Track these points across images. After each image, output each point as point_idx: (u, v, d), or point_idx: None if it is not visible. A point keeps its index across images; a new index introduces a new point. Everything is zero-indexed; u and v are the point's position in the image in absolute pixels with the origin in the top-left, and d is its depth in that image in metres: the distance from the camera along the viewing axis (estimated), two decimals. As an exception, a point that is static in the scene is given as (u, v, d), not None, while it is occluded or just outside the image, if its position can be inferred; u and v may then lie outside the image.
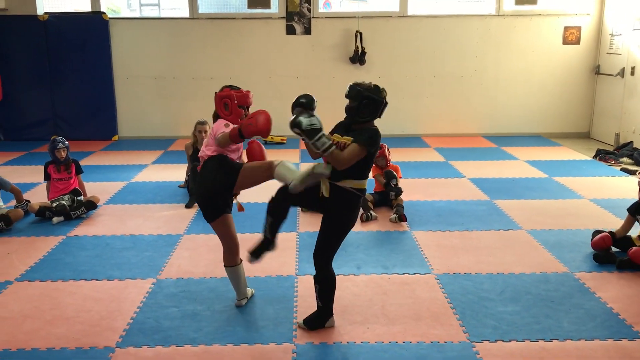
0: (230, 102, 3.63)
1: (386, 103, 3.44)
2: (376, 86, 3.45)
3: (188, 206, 5.99)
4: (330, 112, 9.77)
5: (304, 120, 3.14)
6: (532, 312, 3.78)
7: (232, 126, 3.54)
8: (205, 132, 6.52)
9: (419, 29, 9.59)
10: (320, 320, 3.56)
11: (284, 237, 5.10)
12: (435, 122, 9.98)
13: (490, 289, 4.11)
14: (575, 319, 3.69)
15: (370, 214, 5.57)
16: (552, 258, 4.66)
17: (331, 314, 3.58)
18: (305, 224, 5.48)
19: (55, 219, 5.54)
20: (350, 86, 3.42)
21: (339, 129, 3.50)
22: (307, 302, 3.90)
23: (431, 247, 4.88)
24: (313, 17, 9.49)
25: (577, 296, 4.00)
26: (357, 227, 5.38)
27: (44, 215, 5.60)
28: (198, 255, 4.74)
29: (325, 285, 3.49)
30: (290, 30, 9.55)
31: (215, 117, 3.73)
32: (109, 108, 9.67)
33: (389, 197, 5.81)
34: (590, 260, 4.59)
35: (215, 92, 3.69)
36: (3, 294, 4.06)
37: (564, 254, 4.74)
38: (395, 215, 5.52)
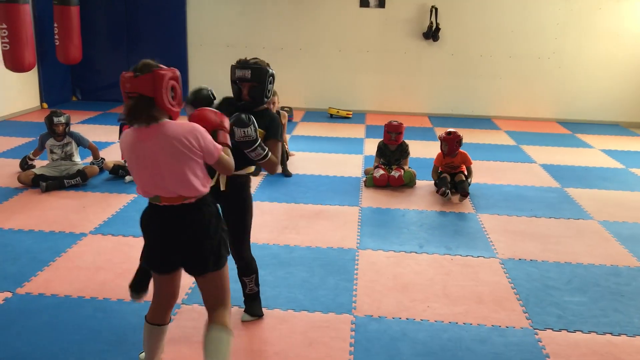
0: (179, 86, 2.50)
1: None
2: (262, 61, 3.10)
3: (254, 174, 6.06)
4: (399, 88, 9.72)
5: (237, 131, 2.79)
6: (600, 304, 3.65)
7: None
8: (274, 103, 6.54)
9: (497, 6, 9.28)
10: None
11: (346, 211, 5.13)
12: (507, 104, 9.69)
13: (557, 278, 3.99)
14: (647, 316, 3.54)
15: (449, 191, 5.49)
16: (625, 251, 4.47)
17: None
18: (368, 199, 5.47)
19: (127, 178, 5.74)
20: (252, 69, 2.98)
21: (229, 109, 3.00)
22: (367, 275, 3.91)
23: (497, 231, 4.78)
24: (388, -9, 9.33)
25: (650, 292, 3.84)
26: (422, 206, 5.33)
27: (117, 173, 5.82)
28: (263, 221, 4.81)
29: (256, 270, 3.29)
30: (364, 3, 9.43)
31: (136, 112, 2.38)
32: (181, 73, 9.82)
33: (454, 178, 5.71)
34: (666, 257, 4.39)
35: (142, 70, 2.38)
36: (78, 245, 4.26)
37: (638, 247, 4.54)
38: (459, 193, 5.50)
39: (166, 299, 2.66)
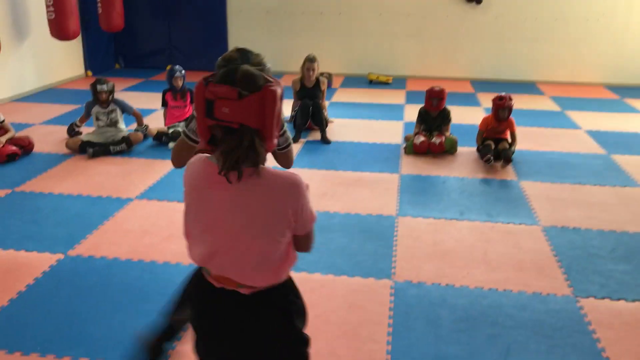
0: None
1: None
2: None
3: (294, 140, 6.11)
4: (440, 53, 9.54)
5: None
6: (646, 273, 3.60)
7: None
8: (314, 70, 6.51)
9: (544, -34, 8.96)
10: None
11: (386, 178, 5.13)
12: (552, 69, 9.42)
13: (600, 246, 3.93)
14: (694, 285, 3.47)
15: (492, 158, 5.43)
16: (673, 220, 4.37)
17: None
18: (408, 166, 5.45)
19: (171, 144, 5.85)
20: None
21: None
22: (406, 242, 3.93)
23: (539, 199, 4.71)
24: (430, -48, 9.09)
25: (698, 262, 3.75)
26: (463, 174, 5.28)
27: (160, 139, 5.93)
28: (302, 188, 4.85)
29: None
30: (405, -34, 9.22)
31: (242, 156, 1.56)
32: (221, 40, 9.91)
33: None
34: None
35: (247, 85, 1.54)
36: (125, 209, 4.40)
37: (687, 216, 4.43)
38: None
39: None
